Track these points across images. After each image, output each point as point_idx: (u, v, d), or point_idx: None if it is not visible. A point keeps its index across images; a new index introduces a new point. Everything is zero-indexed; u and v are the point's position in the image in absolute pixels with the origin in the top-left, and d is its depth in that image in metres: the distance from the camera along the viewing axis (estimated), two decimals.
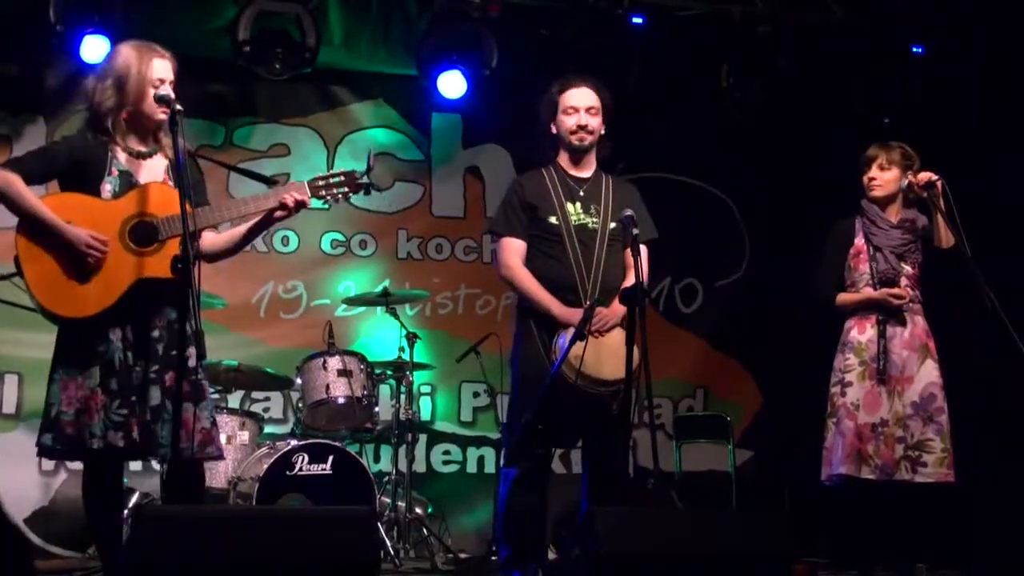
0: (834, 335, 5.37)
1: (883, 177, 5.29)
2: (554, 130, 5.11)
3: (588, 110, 5.05)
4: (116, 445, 4.08)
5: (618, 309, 4.89)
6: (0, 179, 4.14)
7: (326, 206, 4.49)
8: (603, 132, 5.10)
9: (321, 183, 4.33)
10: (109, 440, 4.08)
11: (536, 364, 4.92)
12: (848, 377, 5.22)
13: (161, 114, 4.22)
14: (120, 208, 4.17)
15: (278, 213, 4.27)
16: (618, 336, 4.86)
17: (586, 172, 5.12)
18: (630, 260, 5.07)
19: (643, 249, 4.94)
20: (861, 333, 5.24)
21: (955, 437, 5.17)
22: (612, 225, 5.06)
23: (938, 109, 7.22)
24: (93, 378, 4.12)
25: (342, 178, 4.35)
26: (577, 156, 5.09)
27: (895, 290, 5.21)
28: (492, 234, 5.20)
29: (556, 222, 5.01)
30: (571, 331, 4.79)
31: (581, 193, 5.08)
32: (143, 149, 4.31)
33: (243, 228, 4.39)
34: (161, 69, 4.27)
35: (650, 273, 4.99)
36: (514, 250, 5.04)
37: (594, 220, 5.04)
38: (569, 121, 5.05)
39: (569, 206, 5.04)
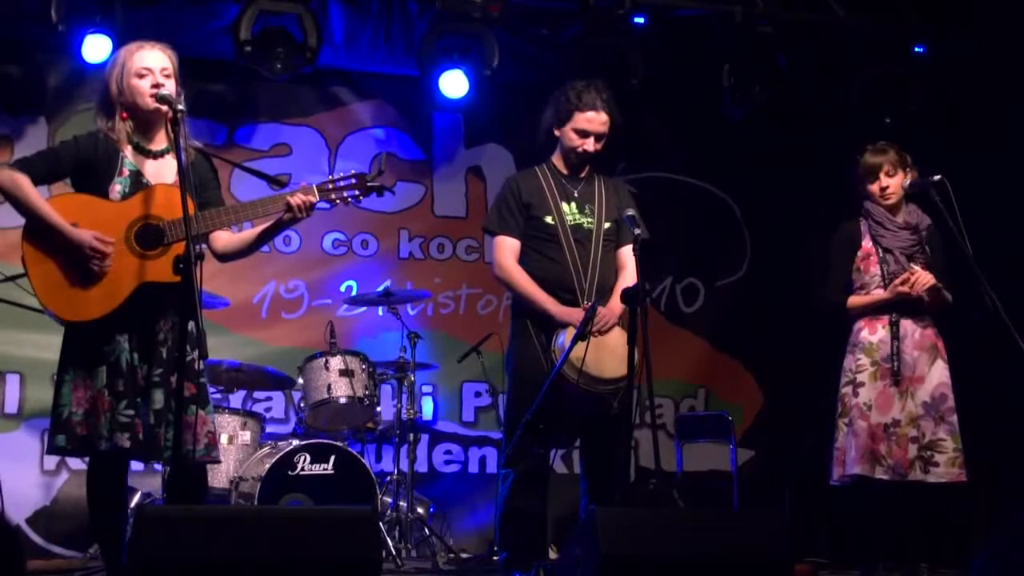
0: (836, 336, 5.37)
1: (894, 183, 5.29)
2: (557, 134, 5.12)
3: (598, 137, 5.05)
4: (122, 446, 4.09)
5: (616, 308, 4.91)
6: (7, 179, 4.15)
7: (328, 206, 4.47)
8: None
9: (331, 186, 4.31)
10: (115, 441, 4.08)
11: (534, 364, 4.94)
12: (860, 377, 5.22)
13: (154, 104, 4.20)
14: (126, 210, 4.17)
15: (287, 216, 4.26)
16: (618, 335, 4.88)
17: (581, 172, 5.14)
18: (622, 260, 5.10)
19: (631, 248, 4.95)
20: (872, 334, 5.24)
21: (965, 437, 5.18)
22: (607, 225, 5.08)
23: (938, 109, 7.22)
24: (100, 379, 4.12)
25: (353, 181, 4.33)
26: (573, 163, 5.11)
27: (898, 280, 5.19)
28: (486, 232, 5.22)
29: (552, 222, 5.03)
30: (570, 331, 4.80)
31: (576, 193, 5.10)
32: (152, 148, 4.30)
33: (256, 230, 4.39)
34: (147, 59, 4.24)
35: (643, 273, 4.99)
36: (509, 249, 5.06)
37: (589, 220, 5.06)
38: (576, 140, 5.06)
39: (564, 206, 5.06)
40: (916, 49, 7.22)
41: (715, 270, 8.03)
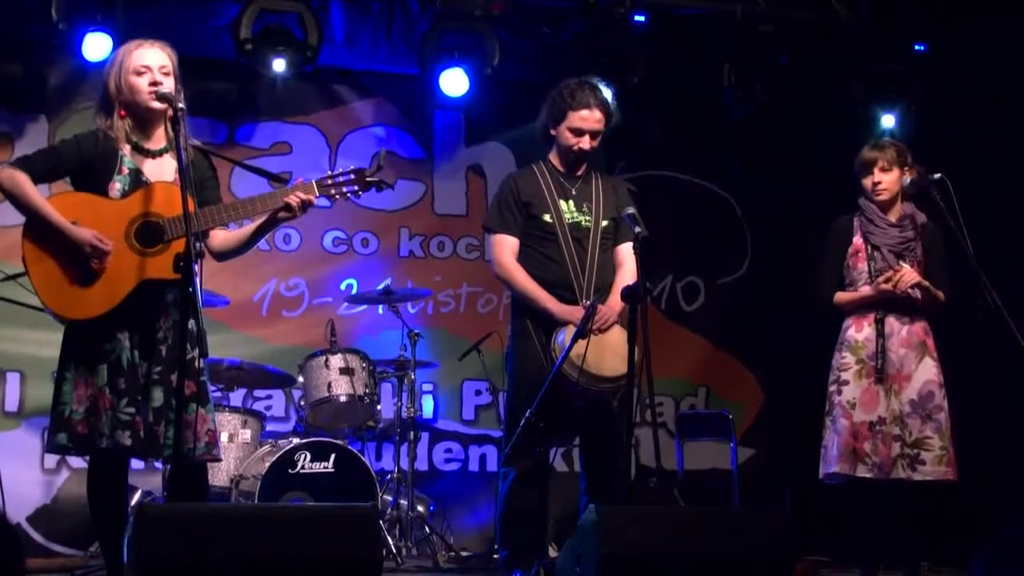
0: (836, 334, 5.37)
1: (887, 179, 5.27)
2: (553, 133, 5.13)
3: (593, 135, 5.05)
4: (123, 444, 4.09)
5: (616, 305, 4.92)
6: (7, 178, 4.15)
7: (328, 204, 4.47)
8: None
9: (329, 182, 4.31)
10: (117, 439, 4.08)
11: (534, 363, 4.95)
12: (844, 375, 5.21)
13: (153, 103, 4.19)
14: (126, 208, 4.17)
15: (283, 214, 4.26)
16: (618, 333, 4.88)
17: (578, 170, 5.15)
18: (620, 258, 5.11)
19: (630, 247, 4.97)
20: (858, 331, 5.23)
21: (956, 435, 5.17)
22: (604, 223, 5.08)
23: (939, 109, 7.22)
24: (101, 377, 4.12)
25: (352, 176, 4.33)
26: (570, 162, 5.12)
27: (882, 278, 5.18)
28: (486, 230, 5.23)
29: (550, 220, 5.04)
30: (570, 328, 4.81)
31: (573, 192, 5.11)
32: (151, 147, 4.29)
33: (252, 227, 4.39)
34: (145, 57, 4.23)
35: (643, 272, 4.99)
36: (508, 247, 5.07)
37: (587, 218, 5.07)
38: (571, 139, 5.06)
39: (562, 204, 5.07)
40: (916, 48, 7.22)
41: (716, 268, 8.03)
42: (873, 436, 5.10)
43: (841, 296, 5.31)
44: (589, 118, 5.04)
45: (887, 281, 5.15)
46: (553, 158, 5.18)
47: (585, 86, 5.09)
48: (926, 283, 5.17)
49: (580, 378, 4.75)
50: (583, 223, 5.06)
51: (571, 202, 5.08)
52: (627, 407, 4.68)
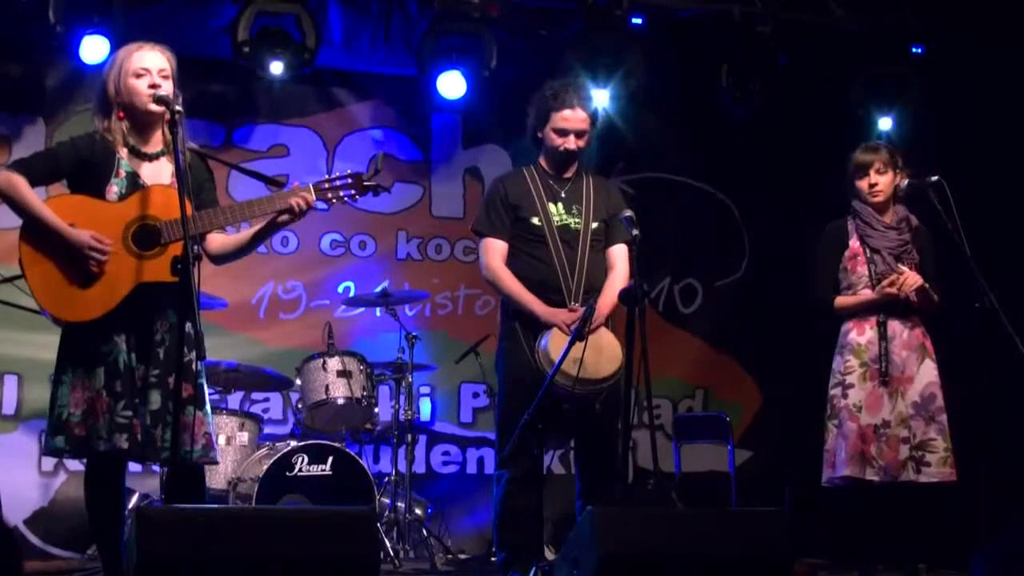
0: (834, 336, 5.37)
1: (883, 181, 5.28)
2: (540, 136, 5.13)
3: (578, 134, 5.06)
4: (121, 447, 4.08)
5: (604, 307, 4.92)
6: (4, 181, 4.15)
7: (325, 207, 4.47)
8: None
9: (327, 186, 4.31)
10: (114, 442, 4.08)
11: (524, 365, 4.95)
12: (849, 379, 5.21)
13: (152, 106, 4.19)
14: (123, 211, 4.17)
15: (283, 217, 4.26)
16: (603, 334, 4.89)
17: (568, 172, 5.15)
18: (612, 259, 5.11)
19: (625, 248, 4.97)
20: (860, 335, 5.23)
21: (955, 436, 5.17)
22: (594, 225, 5.09)
23: (938, 109, 7.21)
24: (98, 380, 4.12)
25: (349, 180, 4.33)
26: (559, 163, 5.12)
27: (886, 281, 5.18)
28: (475, 233, 5.24)
29: (539, 223, 5.04)
30: (554, 332, 4.82)
31: (563, 194, 5.12)
32: (148, 151, 4.29)
33: (251, 231, 4.38)
34: (144, 60, 4.23)
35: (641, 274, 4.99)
36: (496, 251, 5.08)
37: (576, 220, 5.07)
38: (557, 140, 5.08)
39: (551, 206, 5.08)
40: (915, 49, 7.22)
41: (714, 270, 8.03)
42: (878, 439, 5.10)
43: (842, 300, 5.30)
44: (572, 118, 5.05)
45: (891, 285, 5.15)
46: (542, 160, 5.19)
47: (568, 86, 5.10)
48: (927, 285, 5.18)
49: (566, 383, 4.74)
50: (572, 225, 5.07)
51: (560, 204, 5.09)
52: (616, 409, 4.69)
